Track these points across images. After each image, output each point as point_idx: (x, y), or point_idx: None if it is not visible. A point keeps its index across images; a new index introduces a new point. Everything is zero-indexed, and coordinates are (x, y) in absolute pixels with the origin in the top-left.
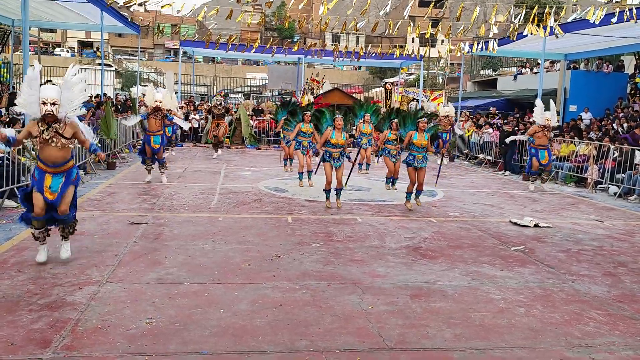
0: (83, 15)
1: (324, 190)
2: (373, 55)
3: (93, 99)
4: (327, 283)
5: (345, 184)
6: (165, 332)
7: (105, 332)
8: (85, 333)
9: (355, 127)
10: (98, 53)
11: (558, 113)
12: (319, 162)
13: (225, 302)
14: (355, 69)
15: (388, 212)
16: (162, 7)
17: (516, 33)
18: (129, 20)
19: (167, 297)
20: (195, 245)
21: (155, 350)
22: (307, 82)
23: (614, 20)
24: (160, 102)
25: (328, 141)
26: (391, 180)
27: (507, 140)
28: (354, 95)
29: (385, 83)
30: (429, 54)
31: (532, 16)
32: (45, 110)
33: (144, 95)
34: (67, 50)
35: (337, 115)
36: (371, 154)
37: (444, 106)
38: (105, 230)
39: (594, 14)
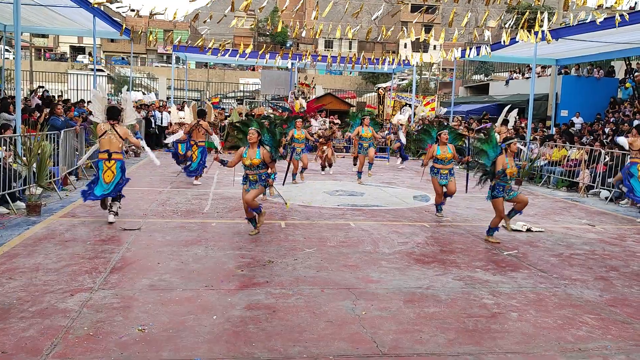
0: (75, 21)
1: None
2: (365, 63)
3: (85, 105)
4: (320, 288)
5: (283, 183)
6: (158, 339)
7: (97, 339)
8: (76, 340)
9: (348, 133)
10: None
11: (549, 118)
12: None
13: (218, 308)
14: (357, 73)
15: (381, 217)
16: (152, 14)
17: (509, 38)
18: (122, 25)
19: (159, 303)
20: (188, 251)
21: (148, 358)
22: (296, 86)
23: (606, 24)
24: (183, 119)
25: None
26: (438, 206)
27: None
28: (346, 100)
29: (378, 88)
30: (422, 60)
31: (523, 21)
32: None
33: (138, 100)
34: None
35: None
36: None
37: (400, 113)
38: (97, 236)
39: (585, 18)
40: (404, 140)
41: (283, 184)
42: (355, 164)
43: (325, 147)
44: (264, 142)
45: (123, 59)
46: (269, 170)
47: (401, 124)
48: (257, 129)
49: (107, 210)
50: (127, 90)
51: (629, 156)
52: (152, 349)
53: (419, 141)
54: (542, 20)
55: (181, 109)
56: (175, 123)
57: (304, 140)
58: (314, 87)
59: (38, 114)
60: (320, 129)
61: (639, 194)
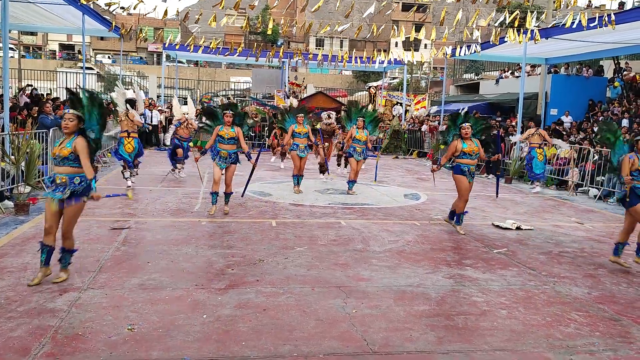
0: (64, 19)
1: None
2: (357, 60)
3: None
4: (311, 287)
5: (243, 194)
6: (148, 338)
7: (86, 339)
8: (65, 340)
9: (340, 133)
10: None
11: (539, 116)
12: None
13: (208, 307)
14: (351, 72)
15: (372, 216)
16: (145, 14)
17: (498, 38)
18: (111, 23)
19: (149, 302)
20: (178, 250)
21: (137, 357)
22: (286, 85)
23: (594, 23)
24: (187, 114)
25: (219, 135)
26: (460, 216)
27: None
28: (337, 98)
29: (369, 87)
30: (413, 56)
31: (512, 20)
32: None
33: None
34: (109, 57)
35: (226, 112)
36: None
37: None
38: (86, 235)
39: (573, 20)
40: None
41: (242, 195)
42: (339, 164)
43: (326, 144)
44: (86, 129)
45: (141, 58)
46: (86, 174)
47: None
48: (77, 113)
49: (126, 177)
50: (130, 87)
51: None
52: (141, 349)
53: (443, 132)
54: (531, 20)
55: (185, 103)
56: (177, 119)
57: (306, 135)
58: (305, 87)
59: (26, 112)
60: (324, 123)
61: (536, 171)
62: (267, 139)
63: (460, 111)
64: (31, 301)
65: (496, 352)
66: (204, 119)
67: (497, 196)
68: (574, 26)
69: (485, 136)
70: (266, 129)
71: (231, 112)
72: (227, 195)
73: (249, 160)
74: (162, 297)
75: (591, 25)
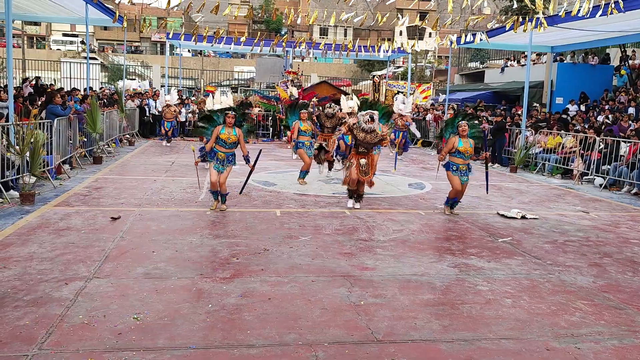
0: (67, 8)
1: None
2: (361, 49)
3: (80, 94)
4: (315, 276)
5: (240, 192)
6: (153, 327)
7: (92, 327)
8: (71, 329)
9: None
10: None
11: (544, 105)
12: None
13: (213, 296)
14: (352, 60)
15: (376, 205)
16: (149, 4)
17: (498, 25)
18: (115, 13)
19: (154, 292)
20: (183, 240)
21: (143, 346)
22: (283, 75)
23: (599, 13)
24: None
25: (220, 139)
26: (449, 200)
27: None
28: (342, 88)
29: (374, 76)
30: (417, 42)
31: (519, 9)
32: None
33: (133, 89)
34: (185, 50)
35: (229, 112)
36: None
37: (402, 102)
38: (91, 225)
39: (580, 8)
40: (418, 134)
41: (240, 193)
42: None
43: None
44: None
45: (227, 53)
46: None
47: (402, 115)
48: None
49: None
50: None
51: None
52: (147, 337)
53: (445, 124)
54: (537, 8)
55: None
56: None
57: (311, 132)
58: (301, 74)
59: (28, 102)
60: (325, 115)
61: None
62: (270, 128)
63: (463, 106)
64: (37, 290)
65: (501, 341)
66: (200, 122)
67: (487, 192)
68: (580, 14)
69: (478, 141)
70: (270, 119)
71: (234, 113)
72: (223, 196)
73: (247, 163)
74: (167, 286)
75: (597, 14)
